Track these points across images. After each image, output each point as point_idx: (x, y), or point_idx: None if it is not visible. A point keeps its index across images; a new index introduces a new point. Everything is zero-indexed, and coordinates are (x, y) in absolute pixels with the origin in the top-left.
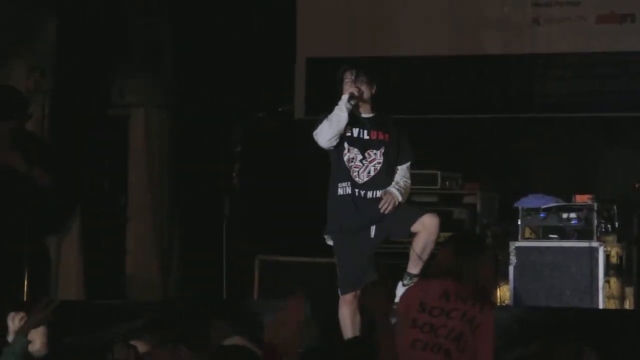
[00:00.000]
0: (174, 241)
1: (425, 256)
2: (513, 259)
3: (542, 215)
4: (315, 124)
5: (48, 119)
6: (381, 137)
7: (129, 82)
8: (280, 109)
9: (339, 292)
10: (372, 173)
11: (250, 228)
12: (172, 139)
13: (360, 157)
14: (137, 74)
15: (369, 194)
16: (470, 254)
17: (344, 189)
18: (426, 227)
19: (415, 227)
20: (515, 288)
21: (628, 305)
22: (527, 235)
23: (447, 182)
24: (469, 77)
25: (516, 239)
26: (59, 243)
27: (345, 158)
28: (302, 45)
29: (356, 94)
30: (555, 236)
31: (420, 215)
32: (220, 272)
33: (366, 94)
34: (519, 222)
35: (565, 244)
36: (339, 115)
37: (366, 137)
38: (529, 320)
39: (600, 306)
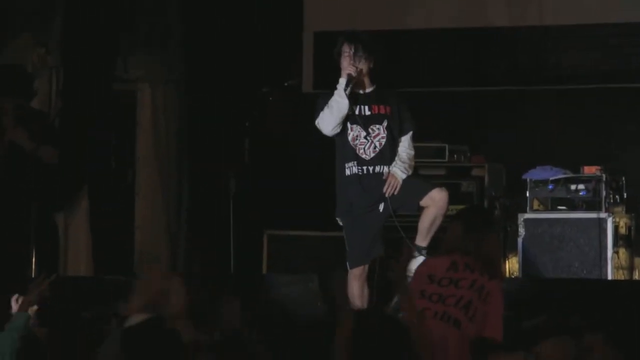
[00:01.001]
0: (182, 217)
1: (433, 229)
2: (522, 231)
3: (550, 187)
4: (315, 108)
5: (55, 95)
6: (382, 111)
7: (135, 57)
8: (286, 84)
9: (348, 267)
10: (378, 148)
11: (258, 203)
12: (180, 114)
13: (364, 133)
14: (143, 49)
15: (377, 169)
16: (477, 228)
17: (350, 169)
18: (435, 202)
19: (424, 202)
20: (524, 260)
21: (637, 275)
22: (535, 207)
23: (455, 155)
24: (477, 49)
25: (524, 211)
26: (66, 219)
27: (350, 137)
28: (310, 19)
29: (354, 74)
30: (564, 208)
31: (430, 189)
32: (228, 247)
33: (365, 70)
34: (527, 194)
35: (573, 215)
36: (339, 102)
37: (367, 112)
38: (537, 291)
39: (609, 277)
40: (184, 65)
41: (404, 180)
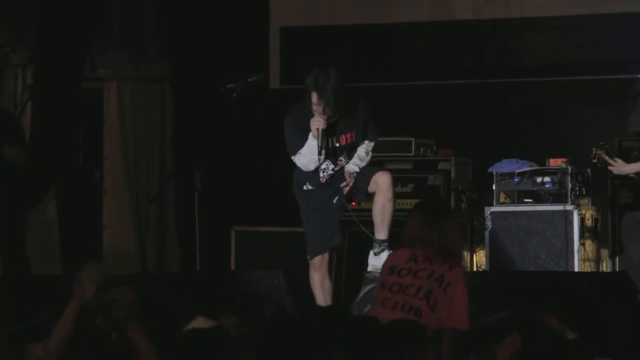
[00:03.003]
0: (150, 214)
1: (387, 218)
2: (488, 224)
3: (516, 179)
4: (285, 135)
5: (21, 94)
6: (349, 138)
7: (103, 55)
8: (250, 80)
9: (308, 258)
10: (338, 171)
11: (225, 199)
12: (147, 112)
13: (332, 166)
14: (111, 48)
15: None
16: (436, 219)
17: (307, 186)
18: (379, 187)
19: (371, 188)
20: (491, 253)
21: (604, 267)
22: (502, 200)
23: (422, 149)
24: (443, 43)
25: (491, 204)
26: (34, 218)
27: (319, 168)
28: (276, 14)
29: (323, 127)
30: (530, 200)
31: (373, 174)
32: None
33: (333, 112)
34: (494, 187)
35: (540, 207)
36: (311, 148)
37: (336, 144)
38: (504, 284)
39: (576, 269)
40: (152, 64)
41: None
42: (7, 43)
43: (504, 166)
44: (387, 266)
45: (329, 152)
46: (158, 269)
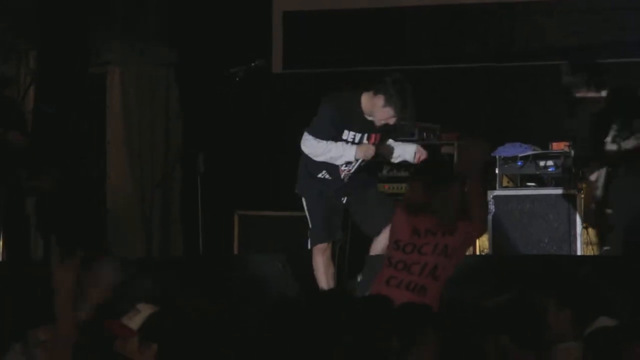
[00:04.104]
0: (154, 199)
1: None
2: (491, 207)
3: (519, 163)
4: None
5: (24, 78)
6: (376, 139)
7: (106, 40)
8: (253, 64)
9: (309, 244)
10: (356, 170)
11: (229, 183)
12: (150, 97)
13: (356, 165)
14: (114, 33)
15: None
16: (437, 182)
17: (323, 176)
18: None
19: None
20: (494, 237)
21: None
22: (505, 183)
23: (425, 133)
24: (447, 27)
25: (494, 188)
26: (37, 204)
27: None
28: None
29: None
30: (533, 184)
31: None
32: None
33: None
34: (497, 171)
35: (542, 191)
36: (338, 152)
37: (365, 141)
38: (507, 268)
39: (579, 253)
40: (156, 49)
41: (375, 202)
42: (12, 29)
43: (507, 150)
44: (393, 239)
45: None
46: (162, 253)
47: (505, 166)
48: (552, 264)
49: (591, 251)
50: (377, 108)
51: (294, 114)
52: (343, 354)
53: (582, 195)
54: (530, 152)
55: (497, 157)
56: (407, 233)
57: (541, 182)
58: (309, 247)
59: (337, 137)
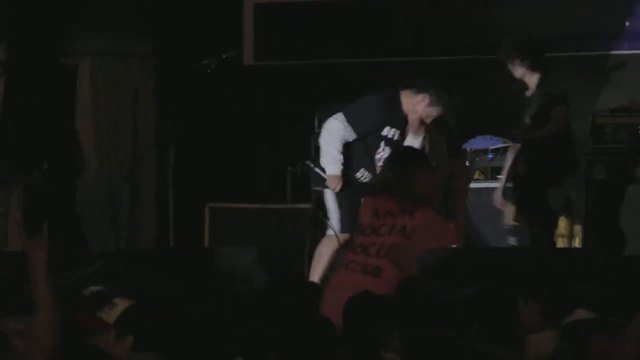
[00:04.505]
0: (124, 191)
1: None
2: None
3: (490, 156)
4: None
5: None
6: (406, 135)
7: (77, 31)
8: (224, 56)
9: (336, 230)
10: None
11: (200, 175)
12: (122, 88)
13: (386, 155)
14: (85, 24)
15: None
16: (406, 165)
17: (363, 176)
18: None
19: None
20: (466, 229)
21: (577, 243)
22: (476, 176)
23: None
24: (422, 19)
25: None
26: (7, 196)
27: (377, 157)
28: None
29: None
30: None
31: None
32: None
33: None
34: (467, 164)
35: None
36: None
37: (397, 137)
38: (479, 261)
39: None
40: (129, 40)
41: None
42: None
43: (478, 142)
44: (359, 223)
45: (391, 142)
46: (132, 245)
47: (477, 159)
48: (523, 256)
49: (562, 243)
50: (420, 106)
51: (266, 106)
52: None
53: None
54: (501, 145)
55: (468, 149)
56: (369, 216)
57: None
58: (333, 233)
59: (374, 132)
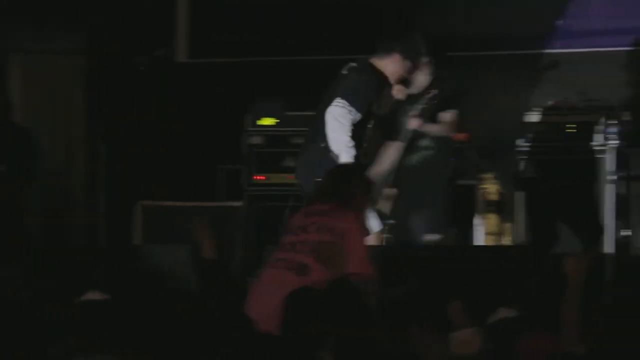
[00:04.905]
0: (55, 189)
1: None
2: None
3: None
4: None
5: None
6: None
7: (7, 27)
8: (156, 53)
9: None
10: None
11: (132, 173)
12: (54, 85)
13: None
14: (16, 19)
15: None
16: (343, 174)
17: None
18: None
19: None
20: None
21: (507, 241)
22: None
23: None
24: (357, 18)
25: None
26: None
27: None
28: None
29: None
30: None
31: None
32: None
33: None
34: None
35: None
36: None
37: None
38: (409, 257)
39: (480, 243)
40: (58, 37)
41: None
42: None
43: None
44: (288, 226)
45: None
46: (63, 244)
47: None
48: (454, 254)
49: (492, 241)
50: (397, 66)
51: (198, 103)
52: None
53: (483, 186)
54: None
55: None
56: (300, 217)
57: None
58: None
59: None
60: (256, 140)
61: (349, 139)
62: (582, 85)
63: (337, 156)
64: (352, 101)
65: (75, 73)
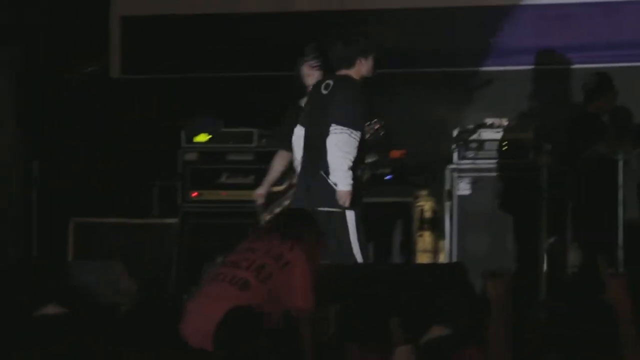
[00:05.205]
0: None
1: None
2: None
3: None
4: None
5: None
6: None
7: None
8: (89, 69)
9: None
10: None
11: (65, 190)
12: None
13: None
14: None
15: None
16: (295, 219)
17: (362, 170)
18: None
19: None
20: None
21: (441, 258)
22: None
23: (264, 140)
24: (285, 34)
25: None
26: None
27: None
28: (117, 3)
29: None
30: (370, 192)
31: None
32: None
33: None
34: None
35: (378, 199)
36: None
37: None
38: (344, 275)
39: (415, 261)
40: None
41: None
42: None
43: None
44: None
45: None
46: None
47: None
48: (389, 272)
49: (427, 258)
50: (367, 67)
51: (132, 120)
52: None
53: (418, 203)
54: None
55: None
56: (252, 238)
57: (378, 190)
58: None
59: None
60: (191, 156)
61: (347, 167)
62: (515, 102)
63: (335, 184)
64: (350, 123)
65: (9, 88)
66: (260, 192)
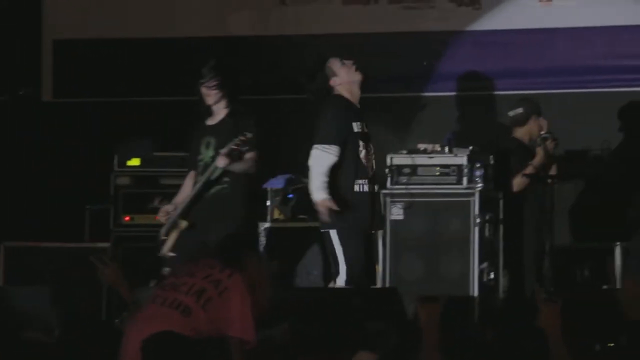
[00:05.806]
0: None
1: None
2: (262, 240)
3: (290, 196)
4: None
5: None
6: (366, 128)
7: None
8: (20, 92)
9: (344, 283)
10: (374, 167)
11: None
12: None
13: (364, 151)
14: None
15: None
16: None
17: (360, 186)
18: None
19: None
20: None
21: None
22: (276, 216)
23: None
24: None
25: (265, 220)
26: None
27: (362, 155)
28: (49, 27)
29: None
30: (305, 216)
31: None
32: None
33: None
34: (268, 203)
35: (313, 224)
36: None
37: (366, 130)
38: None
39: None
40: None
41: None
42: None
43: (279, 182)
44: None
45: (363, 135)
46: None
47: (277, 198)
48: (322, 297)
49: None
50: (352, 71)
51: (64, 143)
52: None
53: None
54: (300, 185)
55: (268, 189)
56: (188, 265)
57: (313, 215)
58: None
59: (347, 135)
60: (123, 180)
61: (321, 180)
62: (449, 127)
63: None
64: (326, 139)
65: None
66: (164, 209)
